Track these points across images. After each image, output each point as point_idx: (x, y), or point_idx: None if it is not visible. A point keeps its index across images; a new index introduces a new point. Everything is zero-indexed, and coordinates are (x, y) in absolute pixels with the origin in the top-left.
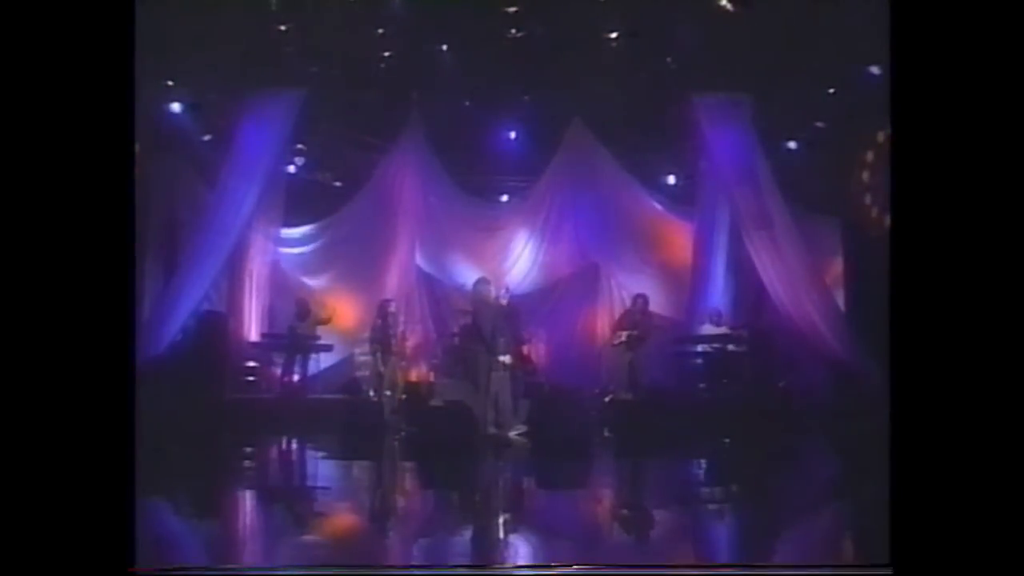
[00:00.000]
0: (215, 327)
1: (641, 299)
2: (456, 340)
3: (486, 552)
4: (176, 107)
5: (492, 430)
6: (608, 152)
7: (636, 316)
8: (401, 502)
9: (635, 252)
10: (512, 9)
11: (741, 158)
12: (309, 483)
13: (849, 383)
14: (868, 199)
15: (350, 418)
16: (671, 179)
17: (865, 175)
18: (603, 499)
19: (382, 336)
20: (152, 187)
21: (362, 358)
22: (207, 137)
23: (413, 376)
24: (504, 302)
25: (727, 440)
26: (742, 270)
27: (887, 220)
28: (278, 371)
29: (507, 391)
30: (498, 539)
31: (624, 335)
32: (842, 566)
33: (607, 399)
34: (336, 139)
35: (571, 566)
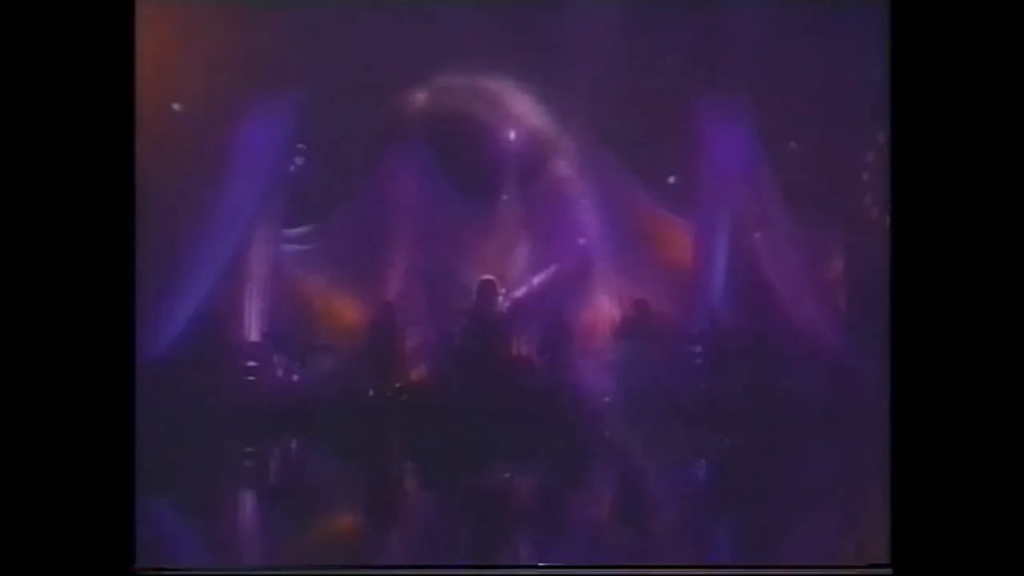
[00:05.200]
0: (215, 327)
1: (641, 305)
2: (456, 340)
3: (486, 552)
4: (176, 107)
5: (491, 430)
6: (608, 152)
7: (638, 325)
8: (401, 502)
9: (635, 252)
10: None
11: (741, 158)
12: (309, 483)
13: (849, 383)
14: (868, 199)
15: (349, 417)
16: (671, 179)
17: (865, 175)
18: (603, 499)
19: (382, 336)
20: (152, 187)
21: (362, 358)
22: (207, 137)
23: (413, 376)
24: (504, 302)
25: (727, 440)
26: (742, 270)
27: (887, 220)
28: (278, 371)
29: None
30: (498, 539)
31: (624, 344)
32: (842, 566)
33: (607, 399)
34: (336, 139)
35: (571, 566)
